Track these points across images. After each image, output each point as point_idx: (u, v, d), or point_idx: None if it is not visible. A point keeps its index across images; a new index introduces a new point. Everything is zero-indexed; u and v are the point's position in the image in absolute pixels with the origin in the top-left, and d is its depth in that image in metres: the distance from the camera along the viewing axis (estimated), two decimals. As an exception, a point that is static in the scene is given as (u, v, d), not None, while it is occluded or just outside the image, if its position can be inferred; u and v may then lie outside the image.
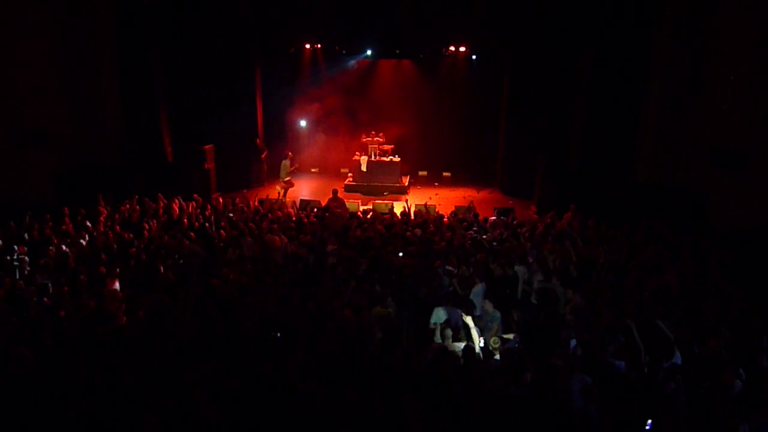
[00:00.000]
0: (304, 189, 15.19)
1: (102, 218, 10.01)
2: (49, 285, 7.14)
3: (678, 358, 5.49)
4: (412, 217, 11.35)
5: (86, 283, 7.33)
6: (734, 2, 11.53)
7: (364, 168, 16.03)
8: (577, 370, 5.20)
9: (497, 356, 5.96)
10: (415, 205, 12.63)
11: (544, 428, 4.59)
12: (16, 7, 12.22)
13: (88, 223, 9.66)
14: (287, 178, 14.55)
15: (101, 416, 4.61)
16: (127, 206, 10.86)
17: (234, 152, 15.60)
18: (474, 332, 6.24)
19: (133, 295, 7.17)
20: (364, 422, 4.56)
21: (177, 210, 10.83)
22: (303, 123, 18.15)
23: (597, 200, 12.14)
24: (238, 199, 12.09)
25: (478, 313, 7.01)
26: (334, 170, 17.86)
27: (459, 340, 6.24)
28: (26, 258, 8.10)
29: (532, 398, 4.94)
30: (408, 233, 9.51)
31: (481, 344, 6.27)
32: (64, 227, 9.43)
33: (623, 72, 12.93)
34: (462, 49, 16.64)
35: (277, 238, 9.04)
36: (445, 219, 11.15)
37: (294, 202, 13.24)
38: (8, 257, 8.02)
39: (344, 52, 17.31)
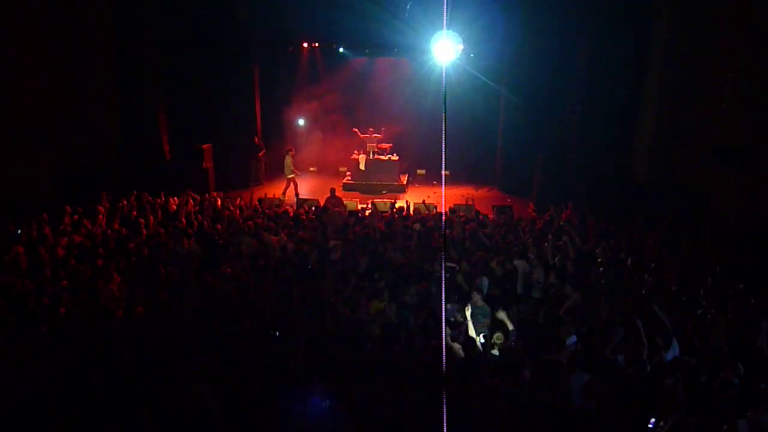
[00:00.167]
0: (302, 188, 15.17)
1: (100, 216, 9.98)
2: (47, 283, 7.12)
3: (676, 349, 5.49)
4: (411, 213, 11.35)
5: (84, 280, 7.30)
6: (733, -1, 11.58)
7: (362, 167, 16.01)
8: (578, 368, 5.19)
9: (495, 351, 5.95)
10: (414, 203, 12.62)
11: (544, 426, 4.59)
12: (15, 7, 12.18)
13: (86, 221, 9.63)
14: (291, 175, 14.56)
15: (99, 413, 4.60)
16: (125, 203, 10.84)
17: (232, 151, 15.58)
18: (471, 328, 6.23)
19: (131, 292, 7.15)
20: (363, 420, 4.56)
21: (174, 207, 10.80)
22: (301, 122, 18.13)
23: (596, 198, 12.15)
24: (239, 200, 12.07)
25: (480, 304, 7.01)
26: (332, 169, 17.83)
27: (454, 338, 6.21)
28: (24, 256, 8.06)
29: (531, 395, 4.93)
30: (407, 230, 9.51)
31: (482, 340, 6.26)
32: (62, 227, 9.40)
33: (622, 69, 12.94)
34: (460, 46, 16.62)
35: (274, 237, 9.02)
36: (444, 217, 11.15)
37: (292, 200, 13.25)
38: (6, 256, 7.98)
39: (342, 50, 17.28)
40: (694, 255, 8.74)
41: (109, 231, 9.16)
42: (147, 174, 13.45)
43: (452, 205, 12.21)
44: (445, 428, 4.53)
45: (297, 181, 14.69)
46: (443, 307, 6.65)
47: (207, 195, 12.38)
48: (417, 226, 9.68)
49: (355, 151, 16.46)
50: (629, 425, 4.54)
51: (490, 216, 11.60)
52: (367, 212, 11.35)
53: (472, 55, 17.07)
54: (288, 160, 14.60)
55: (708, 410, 4.60)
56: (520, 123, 15.21)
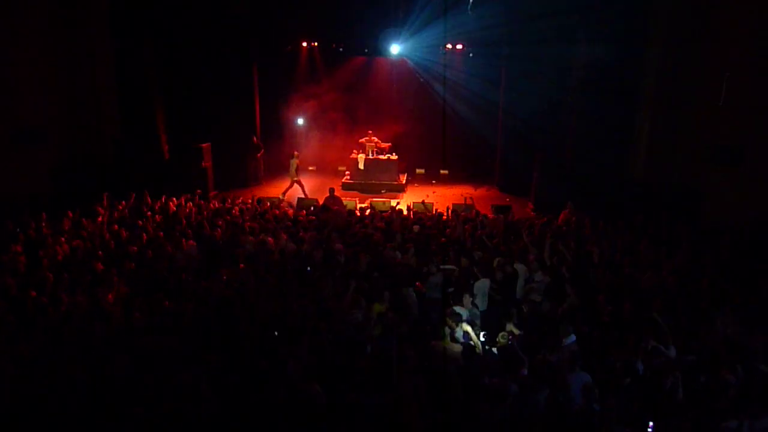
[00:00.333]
0: (292, 187, 15.18)
1: (100, 217, 9.98)
2: (47, 283, 7.12)
3: (673, 352, 5.53)
4: (411, 215, 11.36)
5: (83, 281, 7.31)
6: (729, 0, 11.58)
7: (361, 166, 16.02)
8: (578, 368, 5.22)
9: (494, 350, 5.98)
10: (413, 203, 12.64)
11: (543, 426, 4.62)
12: (13, 5, 12.15)
13: (85, 221, 9.63)
14: (297, 178, 14.61)
15: (97, 413, 4.61)
16: (124, 204, 10.84)
17: (231, 150, 15.57)
18: (469, 329, 6.25)
19: (131, 294, 7.16)
20: (362, 420, 4.58)
21: (174, 208, 10.80)
22: (300, 121, 18.12)
23: (593, 197, 12.19)
24: (239, 200, 12.07)
25: (482, 309, 7.04)
26: (331, 168, 17.84)
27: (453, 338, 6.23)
28: (23, 256, 8.06)
29: (530, 395, 4.95)
30: (406, 231, 9.53)
31: (482, 339, 6.29)
32: (61, 225, 9.40)
33: (619, 69, 12.96)
34: (459, 46, 16.62)
35: (271, 238, 9.01)
36: (444, 216, 11.18)
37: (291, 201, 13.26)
38: (4, 255, 7.98)
39: (341, 50, 17.26)
40: (690, 254, 8.78)
41: (107, 235, 9.12)
42: (146, 173, 13.45)
43: (451, 205, 12.22)
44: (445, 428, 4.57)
45: (299, 184, 14.75)
46: (443, 307, 6.77)
47: (210, 195, 12.38)
48: (416, 227, 9.69)
49: (354, 151, 16.47)
50: (629, 426, 4.57)
51: (489, 215, 11.62)
52: (367, 212, 11.35)
53: (471, 55, 17.11)
54: (292, 162, 14.66)
55: (707, 410, 4.64)
56: (519, 123, 15.24)
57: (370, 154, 16.24)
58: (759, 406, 4.63)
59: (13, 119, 12.41)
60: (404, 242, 8.81)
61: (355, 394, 4.79)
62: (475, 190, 16.11)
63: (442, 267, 7.83)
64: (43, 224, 9.38)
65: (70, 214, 9.94)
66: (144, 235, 9.18)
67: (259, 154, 16.36)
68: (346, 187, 15.88)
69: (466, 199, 12.53)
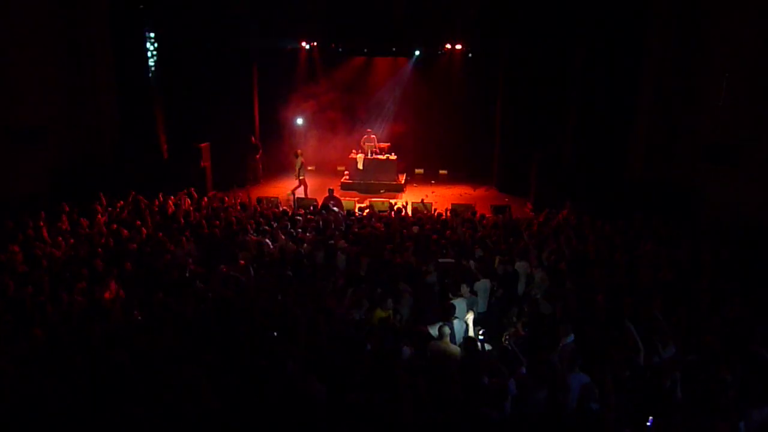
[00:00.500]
0: (300, 188, 15.19)
1: (98, 216, 9.98)
2: (45, 283, 7.12)
3: (673, 350, 5.54)
4: (410, 214, 11.38)
5: (82, 280, 7.30)
6: (726, 1, 11.60)
7: (360, 166, 16.04)
8: (577, 367, 5.23)
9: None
10: (412, 203, 12.66)
11: (543, 425, 4.63)
12: (13, 5, 12.13)
13: (83, 220, 9.63)
14: (302, 177, 14.63)
15: (96, 412, 4.62)
16: (122, 203, 10.83)
17: (230, 150, 15.58)
18: (470, 318, 6.27)
19: (130, 293, 7.16)
20: (361, 420, 4.58)
21: (172, 207, 10.80)
22: (299, 121, 18.13)
23: (592, 196, 12.21)
24: (238, 199, 12.07)
25: (481, 309, 7.05)
26: (330, 168, 17.85)
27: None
28: (20, 256, 8.05)
29: (529, 394, 4.96)
30: (405, 231, 9.54)
31: (481, 338, 6.30)
32: (59, 224, 9.39)
33: (617, 68, 12.99)
34: (458, 46, 16.66)
35: (268, 239, 9.02)
36: (444, 216, 11.19)
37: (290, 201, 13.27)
38: (2, 255, 7.97)
39: (340, 50, 17.28)
40: (688, 253, 8.80)
41: (105, 232, 9.11)
42: (145, 173, 13.45)
43: (450, 205, 12.25)
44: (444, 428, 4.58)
45: (303, 184, 14.78)
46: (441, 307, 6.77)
47: (208, 195, 12.38)
48: (415, 228, 9.69)
49: (354, 151, 16.49)
50: (628, 425, 4.59)
51: (487, 215, 11.64)
52: (366, 212, 11.36)
53: (470, 55, 17.14)
54: (297, 161, 14.68)
55: (706, 408, 4.65)
56: (518, 122, 15.27)
57: (369, 154, 16.25)
58: (758, 396, 4.65)
59: (13, 119, 12.38)
60: (403, 241, 8.82)
61: (355, 393, 4.79)
62: (474, 190, 16.13)
63: (440, 260, 7.84)
64: (41, 224, 9.37)
65: (66, 209, 9.92)
66: (144, 231, 9.19)
67: (257, 156, 16.37)
68: (345, 187, 15.90)
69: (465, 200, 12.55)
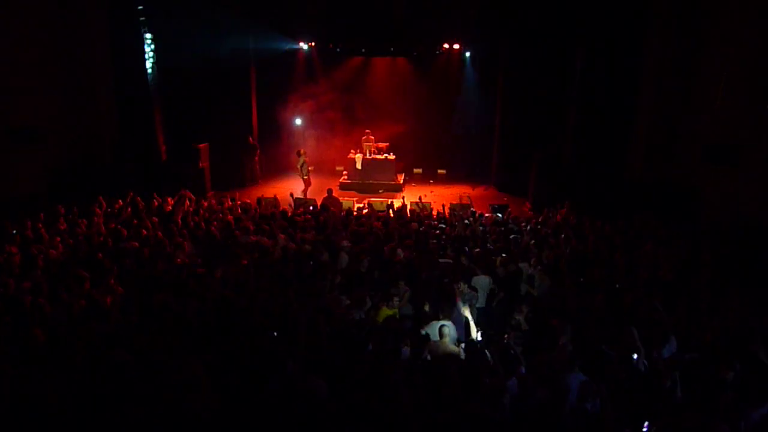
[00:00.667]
0: (299, 187, 15.19)
1: (96, 217, 9.95)
2: (43, 283, 7.09)
3: (674, 345, 5.53)
4: (408, 215, 11.35)
5: (81, 281, 7.28)
6: (725, 2, 11.60)
7: (359, 166, 16.03)
8: (576, 367, 5.22)
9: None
10: (411, 202, 12.64)
11: (541, 425, 4.61)
12: (12, 5, 12.12)
13: (81, 222, 9.60)
14: (306, 176, 14.62)
15: (96, 413, 4.60)
16: (121, 204, 10.81)
17: (229, 151, 15.57)
18: (472, 325, 6.25)
19: (129, 293, 7.14)
20: (361, 419, 4.57)
21: (170, 208, 10.78)
22: (298, 121, 18.12)
23: (591, 196, 12.21)
24: (237, 201, 12.04)
25: (480, 304, 7.03)
26: (329, 168, 17.84)
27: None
28: (18, 257, 8.02)
29: (527, 394, 4.95)
30: (404, 230, 9.53)
31: (479, 338, 6.28)
32: (58, 225, 9.37)
33: (617, 68, 12.99)
34: (456, 46, 16.65)
35: (267, 240, 8.99)
36: (442, 213, 11.19)
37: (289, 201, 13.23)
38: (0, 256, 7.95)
39: (338, 50, 17.27)
40: (688, 253, 8.80)
41: (104, 233, 9.09)
42: (143, 174, 13.44)
43: (449, 204, 12.23)
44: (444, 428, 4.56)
45: (307, 184, 14.79)
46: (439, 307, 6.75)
47: (207, 195, 12.35)
48: (414, 225, 9.70)
49: (352, 150, 16.48)
50: (626, 426, 4.57)
51: (486, 214, 11.63)
52: (364, 212, 11.34)
53: (468, 55, 17.14)
54: (300, 161, 14.69)
55: (706, 408, 4.64)
56: (517, 122, 15.26)
57: (368, 154, 16.25)
58: (756, 396, 4.64)
59: (11, 119, 12.37)
60: (402, 240, 8.81)
61: (356, 393, 4.78)
62: (473, 190, 16.12)
63: (439, 260, 7.83)
64: (40, 224, 9.34)
65: (62, 211, 9.89)
66: (144, 232, 9.17)
67: (256, 156, 16.35)
68: (343, 187, 15.89)
69: (462, 198, 12.55)
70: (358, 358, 5.46)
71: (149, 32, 14.19)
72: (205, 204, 11.55)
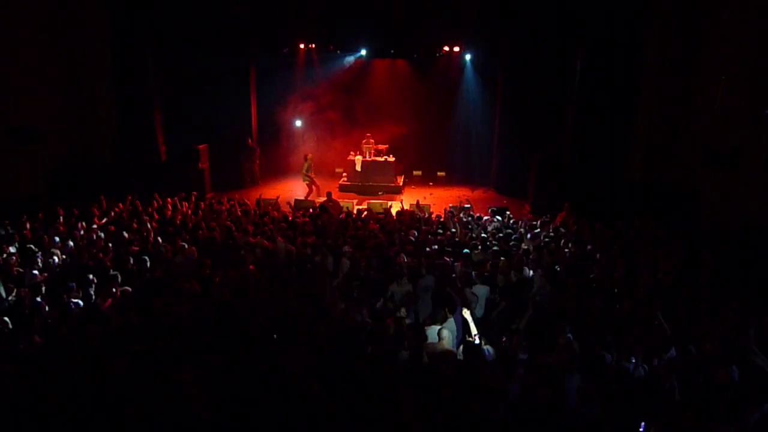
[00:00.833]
0: (299, 189, 15.18)
1: (95, 219, 9.94)
2: (43, 285, 7.08)
3: (673, 352, 5.52)
4: (407, 216, 11.33)
5: (80, 282, 7.27)
6: (725, 3, 11.60)
7: (358, 168, 16.02)
8: (575, 369, 5.20)
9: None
10: (409, 204, 12.62)
11: (540, 426, 4.60)
12: (12, 5, 12.13)
13: (82, 223, 9.59)
14: (307, 180, 14.70)
15: (96, 415, 4.59)
16: (121, 206, 10.80)
17: (228, 152, 15.56)
18: (472, 327, 6.24)
19: (129, 296, 7.13)
20: (361, 420, 4.56)
21: (170, 210, 10.76)
22: (298, 123, 18.11)
23: (591, 198, 12.18)
24: (237, 202, 12.03)
25: (479, 314, 7.01)
26: (328, 170, 17.82)
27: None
28: (17, 258, 8.01)
29: (526, 395, 4.93)
30: (402, 233, 9.51)
31: (476, 341, 6.26)
32: (57, 226, 9.36)
33: (616, 71, 12.97)
34: (456, 49, 16.64)
35: (266, 242, 8.98)
36: (442, 218, 11.17)
37: (289, 203, 13.21)
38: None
39: (338, 51, 17.27)
40: (687, 254, 8.78)
41: (104, 236, 9.08)
42: (143, 174, 13.44)
43: (449, 206, 12.21)
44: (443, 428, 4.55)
45: (311, 186, 14.79)
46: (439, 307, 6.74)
47: (207, 197, 12.34)
48: (412, 232, 9.65)
49: (352, 152, 16.47)
50: (624, 427, 4.56)
51: (485, 217, 11.60)
52: (364, 214, 11.33)
53: (468, 58, 17.13)
54: (305, 165, 14.71)
55: (703, 411, 4.62)
56: (516, 124, 15.24)
57: (368, 156, 16.24)
58: (754, 398, 4.62)
59: (11, 119, 12.39)
60: (402, 244, 8.79)
61: (355, 395, 4.77)
62: (472, 192, 16.10)
63: (437, 262, 7.81)
64: (38, 225, 9.34)
65: (61, 213, 9.89)
66: (144, 233, 9.16)
67: (255, 157, 16.35)
68: (343, 188, 15.88)
69: (461, 201, 12.50)
70: (358, 359, 5.45)
71: (150, 33, 14.19)
72: (203, 206, 11.54)
